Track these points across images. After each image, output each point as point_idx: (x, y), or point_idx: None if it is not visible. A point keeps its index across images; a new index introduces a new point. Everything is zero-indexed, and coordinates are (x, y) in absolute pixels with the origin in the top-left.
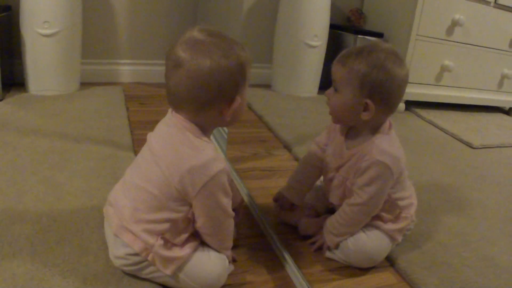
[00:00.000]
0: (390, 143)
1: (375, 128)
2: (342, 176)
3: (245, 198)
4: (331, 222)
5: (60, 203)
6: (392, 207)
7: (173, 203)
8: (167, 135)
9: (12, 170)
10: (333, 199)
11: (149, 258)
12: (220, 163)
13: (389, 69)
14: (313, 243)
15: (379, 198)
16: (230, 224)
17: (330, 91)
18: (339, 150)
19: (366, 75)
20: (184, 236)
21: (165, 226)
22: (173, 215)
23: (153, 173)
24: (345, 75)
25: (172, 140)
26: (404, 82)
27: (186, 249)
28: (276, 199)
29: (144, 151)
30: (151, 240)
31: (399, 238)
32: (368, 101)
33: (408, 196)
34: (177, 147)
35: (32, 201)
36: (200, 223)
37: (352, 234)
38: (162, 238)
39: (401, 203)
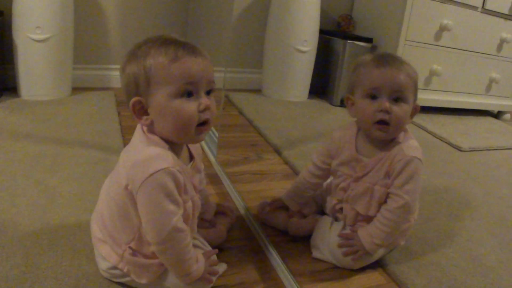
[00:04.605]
0: (415, 143)
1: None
2: (368, 183)
3: (236, 202)
4: (374, 232)
5: (53, 206)
6: None
7: (132, 209)
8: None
9: (4, 174)
10: (359, 207)
11: (125, 269)
12: (163, 162)
13: None
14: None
15: (417, 195)
16: (182, 240)
17: (387, 103)
18: (354, 160)
19: (416, 78)
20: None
21: (129, 235)
22: (134, 222)
23: (113, 178)
24: (409, 83)
25: (129, 148)
26: None
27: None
28: (276, 206)
29: None
30: (119, 250)
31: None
32: (417, 103)
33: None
34: (130, 151)
35: (25, 204)
36: (145, 230)
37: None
38: (130, 247)
39: None
